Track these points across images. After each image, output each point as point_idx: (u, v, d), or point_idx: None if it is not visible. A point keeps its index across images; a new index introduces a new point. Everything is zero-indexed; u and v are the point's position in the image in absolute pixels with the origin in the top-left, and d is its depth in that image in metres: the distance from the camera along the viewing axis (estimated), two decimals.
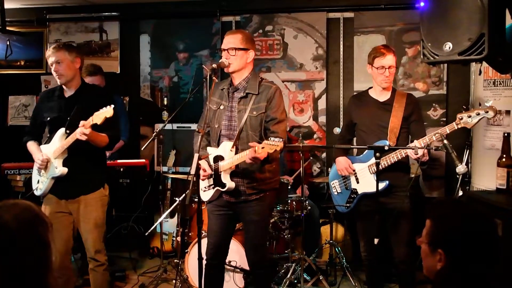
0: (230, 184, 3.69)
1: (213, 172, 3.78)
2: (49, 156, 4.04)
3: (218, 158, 3.75)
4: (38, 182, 4.15)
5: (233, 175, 3.72)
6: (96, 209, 4.11)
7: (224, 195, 3.79)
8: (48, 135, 4.16)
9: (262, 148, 3.31)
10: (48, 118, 4.13)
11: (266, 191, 3.80)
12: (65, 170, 3.99)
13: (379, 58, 4.04)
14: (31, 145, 4.22)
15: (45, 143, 4.17)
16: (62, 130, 4.01)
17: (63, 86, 4.14)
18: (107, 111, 3.73)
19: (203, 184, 3.88)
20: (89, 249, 4.12)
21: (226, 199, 3.81)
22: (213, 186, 3.79)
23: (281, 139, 3.34)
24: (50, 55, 4.04)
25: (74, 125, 3.88)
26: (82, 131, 3.72)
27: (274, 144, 3.29)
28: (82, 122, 3.74)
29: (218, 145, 3.81)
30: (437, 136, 3.72)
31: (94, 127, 3.77)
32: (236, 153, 3.67)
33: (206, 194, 3.86)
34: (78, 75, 4.16)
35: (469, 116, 3.65)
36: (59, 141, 4.01)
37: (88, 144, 3.86)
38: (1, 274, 1.66)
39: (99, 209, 4.14)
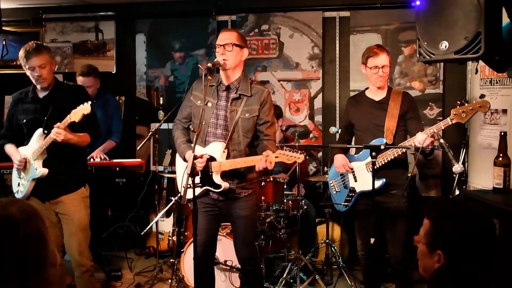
0: (224, 184, 3.69)
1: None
2: (28, 157, 3.97)
3: (209, 159, 3.72)
4: (18, 185, 4.07)
5: (223, 175, 3.72)
6: (79, 209, 4.05)
7: (212, 193, 3.79)
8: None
9: (276, 157, 3.28)
10: (24, 121, 4.03)
11: (254, 188, 3.86)
12: (46, 170, 3.93)
13: (372, 58, 4.05)
14: (9, 148, 4.12)
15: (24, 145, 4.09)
16: (40, 131, 3.94)
17: (37, 87, 4.05)
18: (85, 108, 3.69)
19: (185, 181, 3.78)
20: (74, 253, 4.03)
21: (214, 198, 3.80)
22: (201, 185, 3.74)
23: (302, 152, 3.34)
24: (32, 59, 3.88)
25: (51, 125, 3.83)
26: (57, 131, 3.70)
27: (293, 155, 3.27)
28: (57, 124, 3.72)
29: (204, 143, 3.78)
30: (432, 131, 3.71)
31: (73, 126, 3.75)
32: (228, 154, 3.67)
33: (190, 192, 3.80)
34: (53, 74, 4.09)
35: (463, 111, 3.65)
36: (37, 142, 3.95)
37: (66, 143, 3.81)
38: (4, 265, 1.68)
39: (83, 211, 4.08)
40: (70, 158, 4.04)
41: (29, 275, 1.71)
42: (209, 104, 3.81)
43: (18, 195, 4.03)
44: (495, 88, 4.53)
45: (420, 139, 3.70)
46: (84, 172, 4.30)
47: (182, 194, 3.48)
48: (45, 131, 3.90)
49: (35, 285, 1.72)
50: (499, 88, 4.49)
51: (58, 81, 4.14)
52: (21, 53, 3.93)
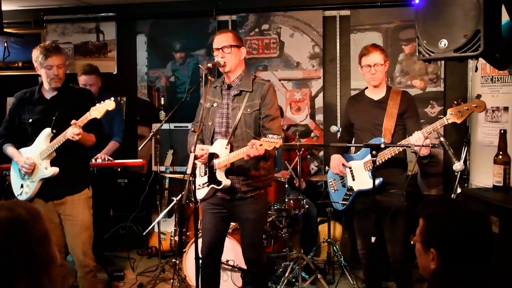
0: (225, 181, 3.68)
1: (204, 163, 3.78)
2: (34, 158, 3.96)
3: (213, 156, 3.74)
4: (22, 186, 4.05)
5: (228, 172, 3.71)
6: (83, 210, 4.05)
7: (219, 192, 3.78)
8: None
9: (260, 145, 3.30)
10: (30, 120, 4.01)
11: (261, 188, 3.80)
12: (57, 169, 3.92)
13: (365, 56, 4.06)
14: (10, 149, 4.08)
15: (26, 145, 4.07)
16: (47, 131, 3.93)
17: (43, 88, 4.05)
18: (109, 104, 3.73)
19: (198, 181, 3.87)
20: (77, 253, 4.03)
21: (221, 197, 3.80)
22: (208, 184, 3.78)
23: (279, 137, 3.35)
24: (53, 57, 3.89)
25: (59, 125, 3.84)
26: (75, 132, 3.70)
27: (272, 141, 3.29)
28: (74, 121, 3.72)
29: (211, 143, 3.81)
30: (429, 131, 3.71)
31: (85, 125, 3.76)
32: (231, 150, 3.66)
33: (201, 192, 3.85)
34: None
35: (459, 111, 3.65)
36: (45, 141, 3.94)
37: (74, 143, 3.81)
38: (17, 265, 1.69)
39: (86, 211, 4.08)
40: (76, 158, 4.06)
41: (39, 274, 1.73)
42: (215, 105, 3.85)
43: (23, 197, 4.00)
44: (496, 86, 4.52)
45: (416, 138, 3.71)
46: (88, 173, 4.34)
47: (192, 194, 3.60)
48: (54, 131, 3.90)
49: (46, 283, 1.74)
50: (500, 86, 4.48)
51: (64, 83, 4.12)
52: (38, 51, 3.91)
